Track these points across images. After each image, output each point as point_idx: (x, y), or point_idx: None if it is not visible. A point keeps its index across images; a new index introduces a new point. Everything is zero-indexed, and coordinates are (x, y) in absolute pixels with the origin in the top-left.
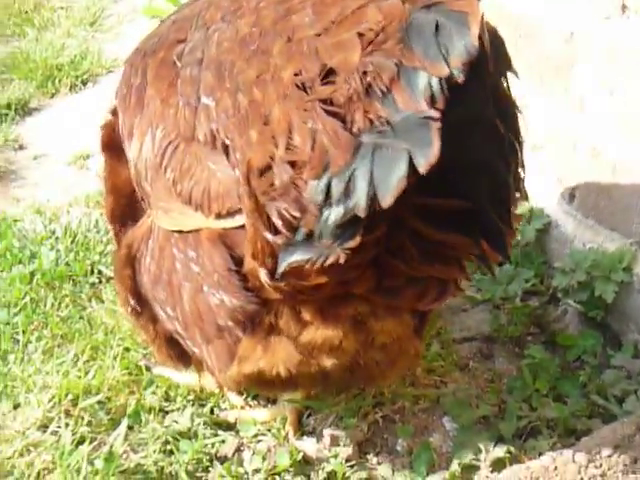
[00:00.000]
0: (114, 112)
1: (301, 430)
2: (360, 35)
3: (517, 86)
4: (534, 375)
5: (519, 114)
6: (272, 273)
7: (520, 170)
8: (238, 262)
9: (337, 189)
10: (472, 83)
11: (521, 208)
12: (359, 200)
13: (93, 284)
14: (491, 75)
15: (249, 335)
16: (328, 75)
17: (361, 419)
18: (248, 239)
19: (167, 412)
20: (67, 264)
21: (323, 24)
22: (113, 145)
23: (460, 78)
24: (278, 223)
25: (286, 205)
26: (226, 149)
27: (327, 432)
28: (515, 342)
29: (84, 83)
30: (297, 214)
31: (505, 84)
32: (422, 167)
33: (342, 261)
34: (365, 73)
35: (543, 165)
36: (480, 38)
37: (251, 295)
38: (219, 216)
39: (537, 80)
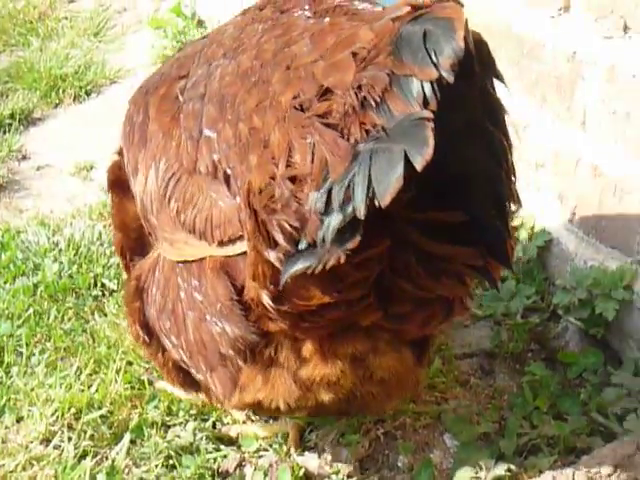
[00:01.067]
0: (120, 152)
1: (303, 446)
2: (354, 55)
3: (519, 104)
4: (534, 392)
5: (506, 116)
6: (274, 296)
7: (512, 174)
8: (240, 291)
9: (337, 196)
10: (461, 84)
11: (523, 225)
12: (358, 202)
13: (96, 297)
14: (478, 76)
15: (250, 365)
16: (325, 94)
17: (362, 435)
18: (249, 262)
19: (169, 426)
20: (70, 276)
21: (320, 51)
22: (120, 183)
23: (450, 79)
24: (279, 237)
25: (286, 217)
26: (227, 178)
27: (328, 448)
28: (516, 358)
29: (88, 94)
30: (298, 225)
31: (491, 86)
32: (419, 164)
33: (341, 263)
34: (359, 87)
35: (545, 182)
36: (465, 40)
37: (252, 325)
38: (221, 244)
39: (540, 98)
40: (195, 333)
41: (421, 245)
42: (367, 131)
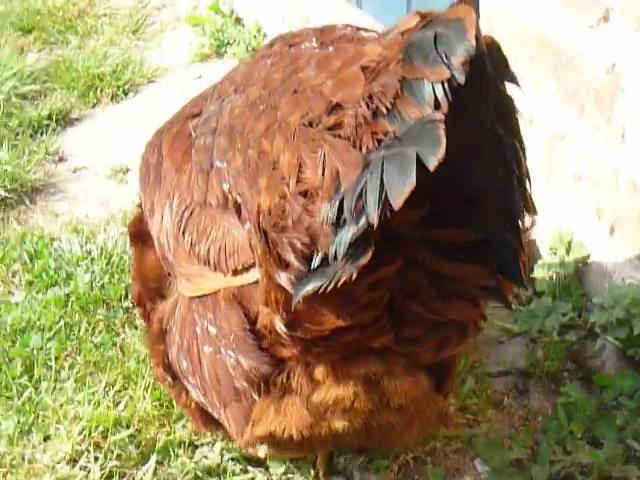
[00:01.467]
0: (140, 204)
1: (331, 469)
2: (363, 68)
3: (558, 115)
4: (569, 416)
5: (520, 118)
6: (287, 322)
7: (525, 180)
8: (253, 321)
9: (349, 206)
10: (473, 84)
11: (561, 240)
12: (370, 209)
13: (127, 309)
14: (490, 76)
15: (264, 397)
16: (334, 109)
17: (392, 460)
18: (261, 289)
19: (197, 446)
20: (102, 287)
21: (327, 73)
22: (141, 235)
23: (461, 79)
24: (290, 256)
25: (297, 234)
26: (238, 207)
27: (357, 472)
28: (551, 378)
29: (125, 93)
30: (309, 241)
31: (504, 88)
32: (432, 164)
33: (354, 278)
34: (370, 97)
35: (583, 196)
36: (477, 38)
37: (265, 355)
38: (235, 272)
39: (578, 110)
40: (210, 368)
41: (432, 265)
42: (379, 140)
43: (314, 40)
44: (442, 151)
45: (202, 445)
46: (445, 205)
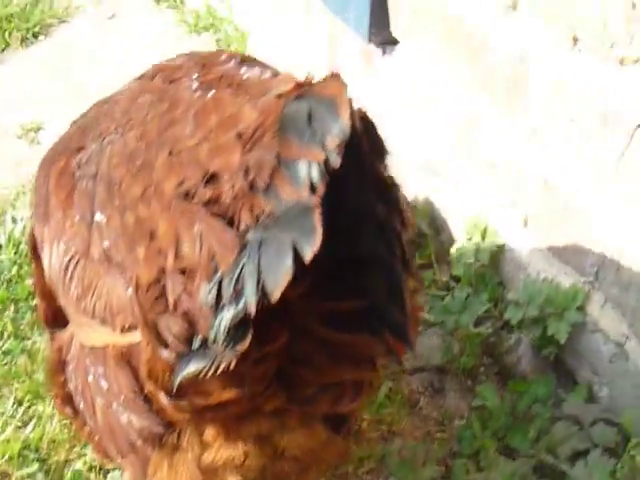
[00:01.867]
0: None
1: None
2: (239, 136)
3: (473, 99)
4: (483, 425)
5: (399, 194)
6: (171, 393)
7: (407, 257)
8: (142, 383)
9: (227, 289)
10: (349, 166)
11: (476, 227)
12: (249, 296)
13: (35, 308)
14: (367, 155)
15: (157, 451)
16: (211, 180)
17: None
18: (144, 359)
19: (108, 471)
20: (9, 283)
21: (203, 132)
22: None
23: (337, 161)
24: (170, 338)
25: (176, 317)
26: (120, 266)
27: None
28: (467, 374)
29: (35, 36)
30: (188, 325)
31: (381, 165)
32: (307, 255)
33: (233, 366)
34: (247, 171)
35: (498, 184)
36: (351, 119)
37: (156, 416)
38: (124, 331)
39: (491, 97)
40: (103, 420)
41: (320, 334)
42: (257, 217)
43: (195, 77)
44: (318, 242)
45: (114, 470)
46: (330, 276)
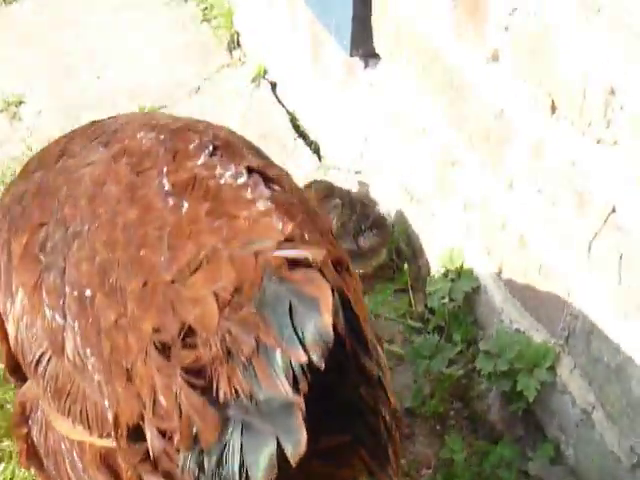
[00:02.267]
0: None
1: None
2: (216, 295)
3: (449, 138)
4: None
5: (385, 380)
6: None
7: (397, 437)
8: None
9: (209, 465)
10: (333, 365)
11: (452, 261)
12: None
13: None
14: (350, 353)
15: None
16: (188, 335)
17: None
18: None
19: None
20: None
21: (178, 266)
22: None
23: (321, 365)
24: None
25: (158, 475)
26: (98, 383)
27: None
28: (437, 419)
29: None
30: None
31: (366, 357)
32: (293, 458)
33: None
34: (224, 339)
35: (474, 227)
36: (335, 322)
37: None
38: (101, 436)
39: (467, 141)
40: None
41: (304, 468)
42: (236, 390)
43: (165, 171)
44: (303, 443)
45: None
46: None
